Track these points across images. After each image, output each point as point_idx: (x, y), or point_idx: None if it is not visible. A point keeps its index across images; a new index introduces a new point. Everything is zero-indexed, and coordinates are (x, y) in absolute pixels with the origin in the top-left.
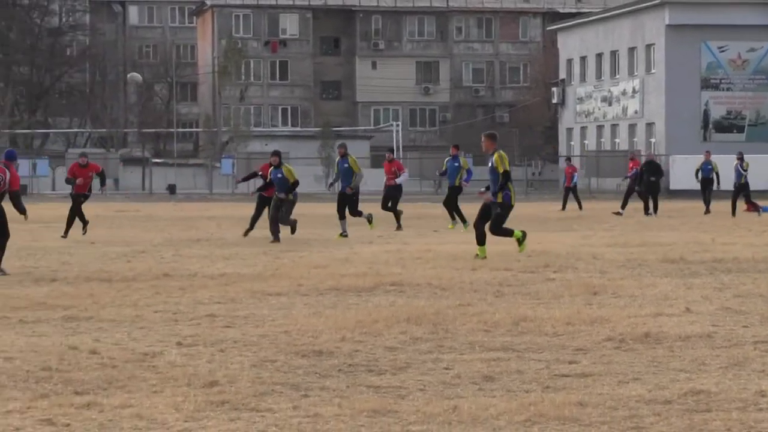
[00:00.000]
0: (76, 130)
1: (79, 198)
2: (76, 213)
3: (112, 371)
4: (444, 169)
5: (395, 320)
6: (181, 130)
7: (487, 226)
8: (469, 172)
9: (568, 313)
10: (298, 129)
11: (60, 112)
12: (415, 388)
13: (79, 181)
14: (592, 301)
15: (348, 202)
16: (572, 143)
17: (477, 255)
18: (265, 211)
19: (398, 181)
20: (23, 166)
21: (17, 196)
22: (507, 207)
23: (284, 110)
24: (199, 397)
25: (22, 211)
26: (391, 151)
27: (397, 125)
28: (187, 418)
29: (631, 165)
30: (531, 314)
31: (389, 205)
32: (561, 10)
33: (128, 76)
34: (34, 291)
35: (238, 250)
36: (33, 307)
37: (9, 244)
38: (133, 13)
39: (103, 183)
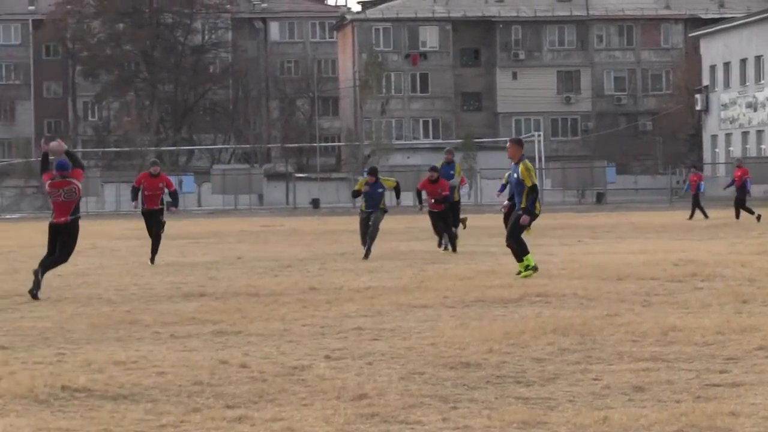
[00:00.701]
0: (220, 146)
1: (152, 215)
2: (153, 234)
3: (262, 385)
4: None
5: (542, 331)
6: (323, 144)
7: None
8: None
9: (718, 322)
10: (440, 141)
11: (204, 128)
12: (565, 399)
13: (147, 192)
14: (742, 309)
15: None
16: (717, 150)
17: (520, 272)
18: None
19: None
20: None
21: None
22: (532, 214)
23: (425, 122)
24: (348, 410)
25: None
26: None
27: (539, 135)
28: (338, 431)
29: (738, 173)
30: (680, 324)
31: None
32: (703, 16)
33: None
34: (184, 306)
35: (383, 263)
36: (183, 322)
37: (158, 260)
38: (275, 29)
39: (174, 204)
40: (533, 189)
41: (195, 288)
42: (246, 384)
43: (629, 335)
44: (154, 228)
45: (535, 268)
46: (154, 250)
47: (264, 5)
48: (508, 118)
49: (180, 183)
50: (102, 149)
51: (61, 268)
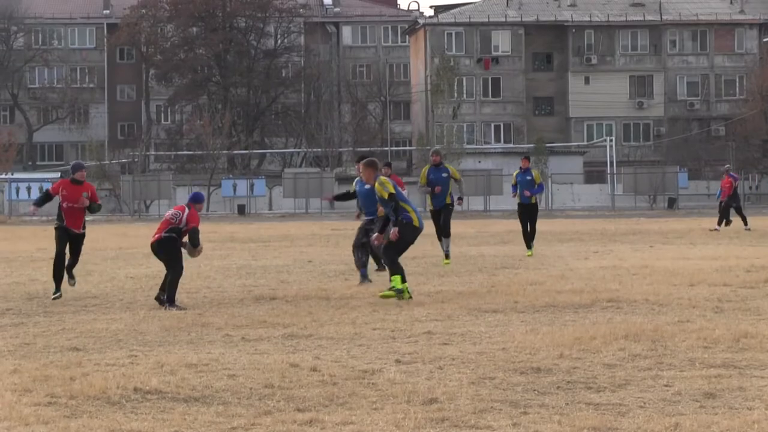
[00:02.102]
0: (291, 150)
1: (73, 241)
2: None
3: (333, 388)
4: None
5: (613, 337)
6: (394, 148)
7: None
8: (540, 186)
9: None
10: (511, 146)
11: (276, 132)
12: (635, 405)
13: (65, 204)
14: None
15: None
16: None
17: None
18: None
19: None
20: (241, 186)
21: (195, 232)
22: (402, 226)
23: (497, 127)
24: (419, 414)
25: (195, 245)
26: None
27: (611, 140)
28: None
29: (727, 182)
30: (752, 330)
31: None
32: None
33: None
34: (255, 309)
35: (453, 267)
36: (254, 325)
37: (229, 264)
38: (347, 33)
39: (92, 210)
40: (391, 198)
41: (266, 291)
42: (316, 387)
43: (701, 341)
44: (74, 247)
45: (399, 292)
46: (72, 264)
47: (337, 9)
48: (579, 122)
49: (251, 187)
50: (174, 152)
51: (134, 271)
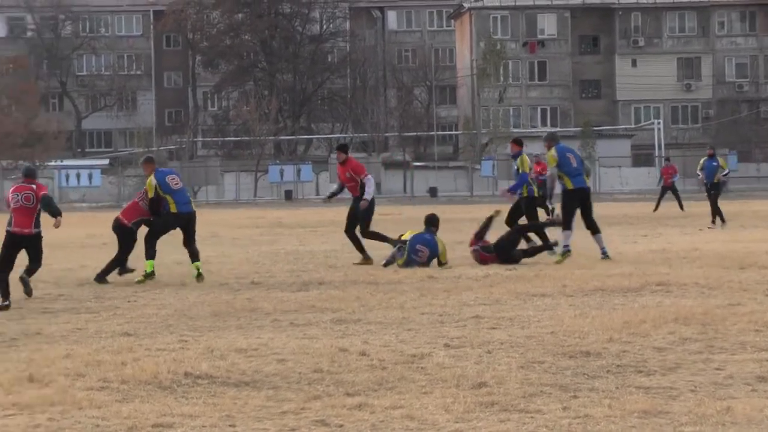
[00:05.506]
0: (338, 135)
1: (22, 243)
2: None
3: (382, 372)
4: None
5: (663, 320)
6: (440, 133)
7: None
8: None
9: None
10: (558, 129)
11: (322, 117)
12: (686, 388)
13: (15, 204)
14: None
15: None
16: None
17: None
18: None
19: (368, 197)
20: (288, 171)
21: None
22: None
23: (543, 111)
24: (468, 398)
25: (54, 213)
26: (343, 148)
27: (659, 123)
28: (458, 419)
29: (667, 171)
30: None
31: (358, 228)
32: None
33: None
34: (303, 294)
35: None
36: (303, 310)
37: (277, 249)
38: (392, 18)
39: (54, 214)
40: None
41: (314, 276)
42: (365, 372)
43: (752, 325)
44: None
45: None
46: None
47: None
48: (627, 105)
49: (298, 172)
50: (221, 139)
51: (182, 257)
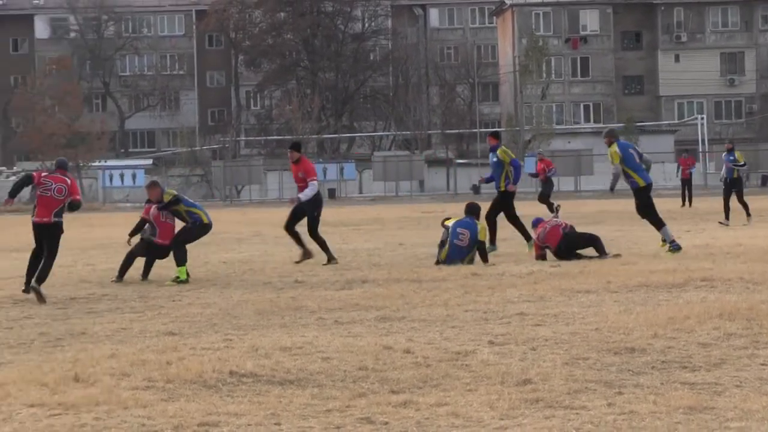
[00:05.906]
0: (381, 133)
1: (42, 231)
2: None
3: (427, 370)
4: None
5: (707, 316)
6: (483, 130)
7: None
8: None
9: None
10: (601, 125)
11: (365, 115)
12: (731, 384)
13: (43, 191)
14: None
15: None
16: None
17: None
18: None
19: (302, 197)
20: (331, 170)
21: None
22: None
23: (586, 107)
24: (513, 395)
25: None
26: (296, 147)
27: (702, 118)
28: (503, 416)
29: (540, 166)
30: None
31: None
32: None
33: None
34: (347, 292)
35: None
36: (347, 308)
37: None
38: (434, 15)
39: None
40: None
41: (358, 274)
42: (410, 369)
43: None
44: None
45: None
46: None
47: None
48: (670, 101)
49: (341, 170)
50: (264, 137)
51: (226, 256)
